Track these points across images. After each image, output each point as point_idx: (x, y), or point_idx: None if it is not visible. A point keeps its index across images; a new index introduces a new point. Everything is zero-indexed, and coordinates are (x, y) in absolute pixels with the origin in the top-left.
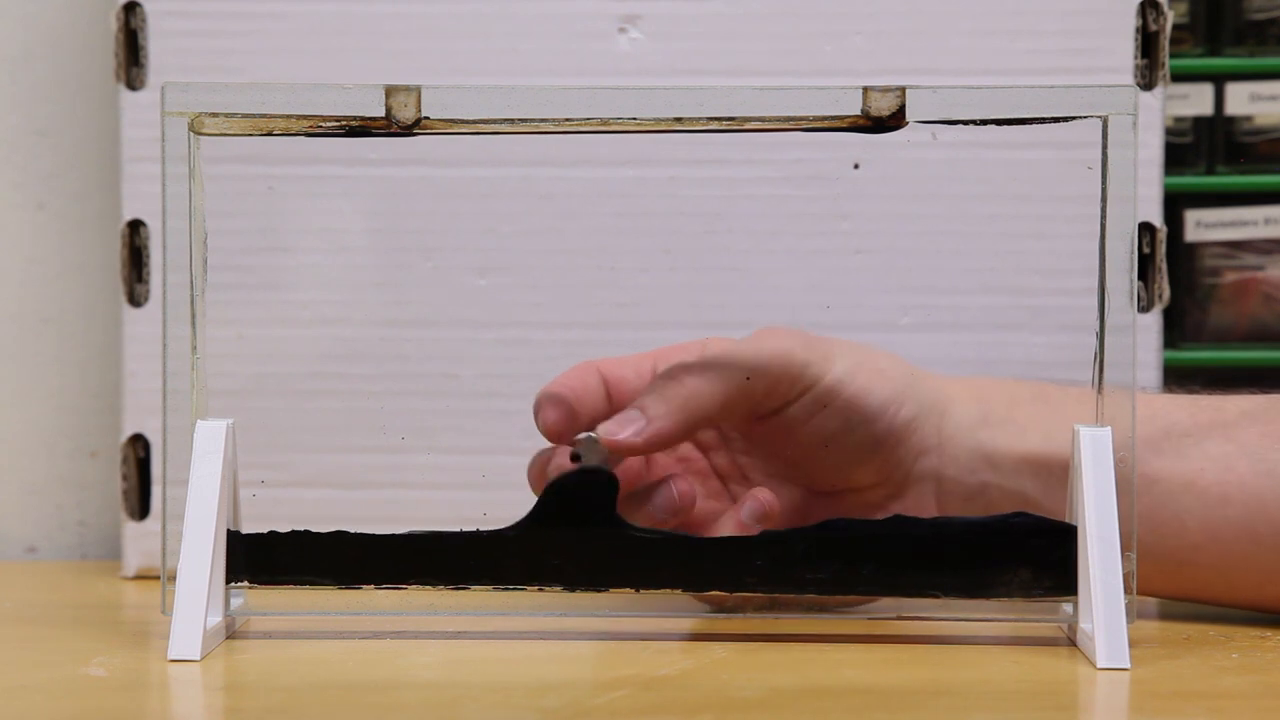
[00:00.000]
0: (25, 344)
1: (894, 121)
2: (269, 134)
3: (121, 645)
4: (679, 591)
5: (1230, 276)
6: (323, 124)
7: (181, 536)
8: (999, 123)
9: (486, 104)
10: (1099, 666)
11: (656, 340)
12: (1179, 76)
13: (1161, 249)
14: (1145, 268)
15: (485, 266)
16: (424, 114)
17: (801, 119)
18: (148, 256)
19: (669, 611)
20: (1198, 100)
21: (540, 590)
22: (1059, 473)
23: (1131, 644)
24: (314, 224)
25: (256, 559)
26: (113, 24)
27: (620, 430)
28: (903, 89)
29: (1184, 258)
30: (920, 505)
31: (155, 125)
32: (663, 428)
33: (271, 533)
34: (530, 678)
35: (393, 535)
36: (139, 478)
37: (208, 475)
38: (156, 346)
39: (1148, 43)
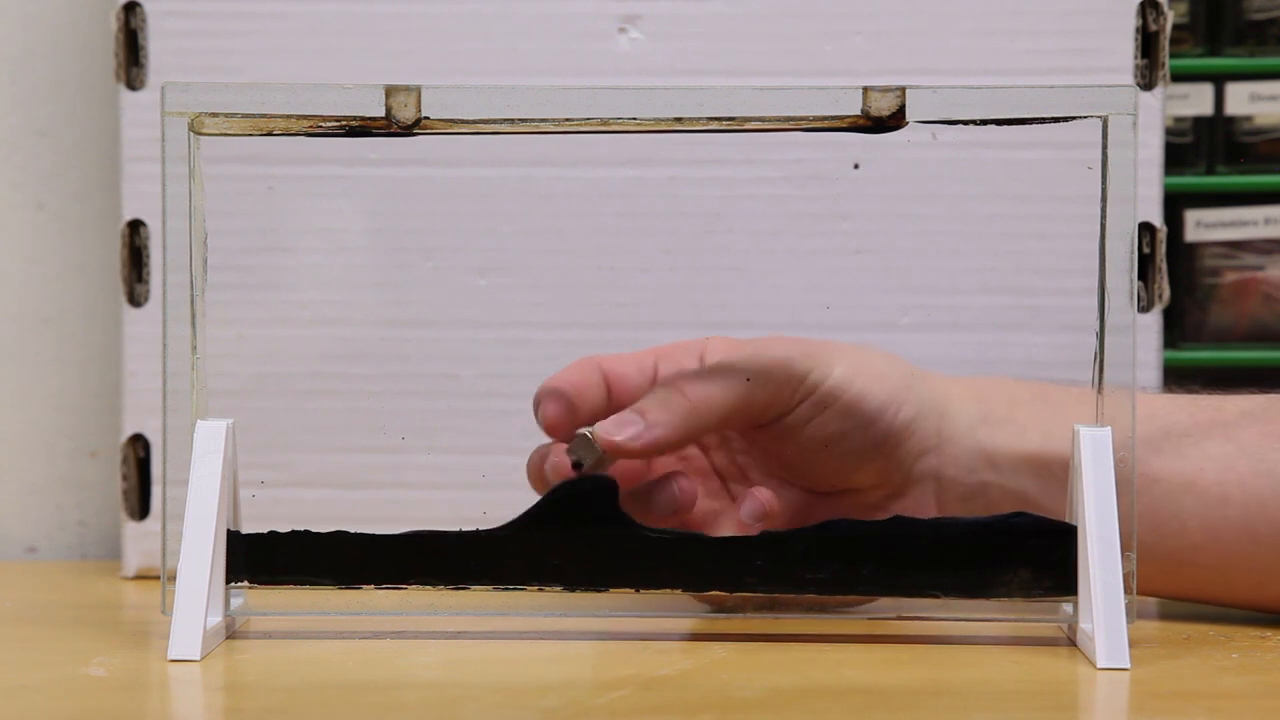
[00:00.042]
0: (25, 344)
1: (894, 121)
2: (269, 134)
3: (121, 645)
4: (679, 591)
5: (1230, 276)
6: (323, 124)
7: (181, 536)
8: (999, 123)
9: (486, 104)
10: (1099, 666)
11: (656, 340)
12: (1179, 76)
13: (1161, 249)
14: (1145, 268)
15: (485, 266)
16: (424, 114)
17: (801, 119)
18: (148, 256)
19: (669, 611)
20: (1198, 100)
21: (540, 590)
22: (1059, 473)
23: (1131, 644)
24: (314, 224)
25: (256, 559)
26: (113, 24)
27: (618, 432)
28: (903, 89)
29: (1184, 258)
30: (920, 505)
31: (155, 125)
32: (660, 436)
33: (271, 533)
34: (530, 678)
35: (393, 535)
36: (139, 478)
37: (208, 475)
38: (156, 346)
39: (1148, 43)
